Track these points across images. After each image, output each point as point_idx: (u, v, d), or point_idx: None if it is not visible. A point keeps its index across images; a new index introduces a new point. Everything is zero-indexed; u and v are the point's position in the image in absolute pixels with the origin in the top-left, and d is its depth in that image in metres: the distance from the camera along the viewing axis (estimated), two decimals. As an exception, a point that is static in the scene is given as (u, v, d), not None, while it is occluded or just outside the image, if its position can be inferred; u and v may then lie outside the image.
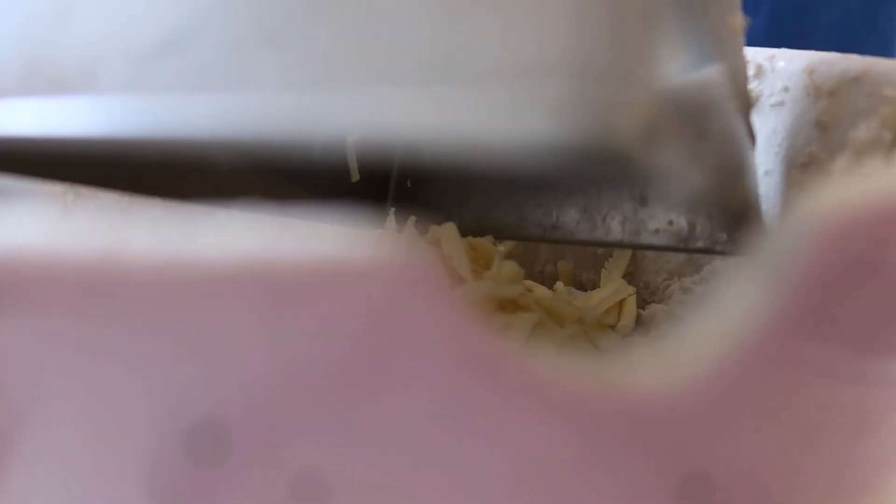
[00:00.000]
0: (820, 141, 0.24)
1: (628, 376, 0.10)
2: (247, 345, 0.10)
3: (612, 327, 0.27)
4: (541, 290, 0.27)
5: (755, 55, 0.26)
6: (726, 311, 0.11)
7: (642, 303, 0.30)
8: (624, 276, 0.31)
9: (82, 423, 0.10)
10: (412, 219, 0.27)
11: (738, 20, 0.19)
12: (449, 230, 0.28)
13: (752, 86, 0.26)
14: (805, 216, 0.10)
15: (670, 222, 0.25)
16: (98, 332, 0.10)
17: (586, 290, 0.30)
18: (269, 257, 0.09)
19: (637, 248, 0.28)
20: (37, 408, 0.10)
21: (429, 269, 0.09)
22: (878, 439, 0.13)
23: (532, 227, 0.29)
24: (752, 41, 0.27)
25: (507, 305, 0.23)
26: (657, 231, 0.26)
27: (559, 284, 0.29)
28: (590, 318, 0.26)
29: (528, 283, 0.27)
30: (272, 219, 0.10)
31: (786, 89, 0.25)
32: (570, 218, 0.28)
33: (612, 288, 0.29)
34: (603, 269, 0.31)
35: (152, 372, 0.10)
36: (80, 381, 0.10)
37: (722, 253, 0.21)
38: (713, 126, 0.17)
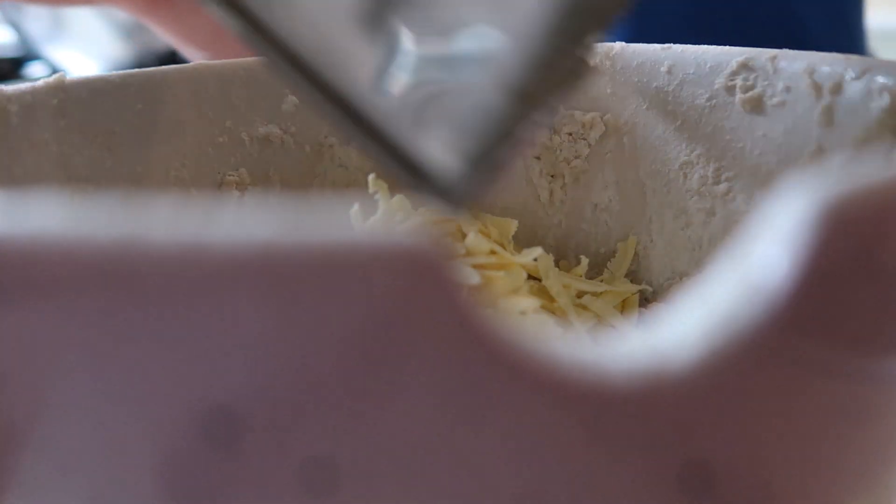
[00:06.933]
0: (821, 140, 0.24)
1: (629, 367, 0.11)
2: (259, 332, 0.10)
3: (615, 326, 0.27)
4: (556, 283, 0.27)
5: (757, 56, 0.26)
6: (725, 305, 0.11)
7: (645, 302, 0.30)
8: (626, 276, 0.31)
9: (99, 408, 0.11)
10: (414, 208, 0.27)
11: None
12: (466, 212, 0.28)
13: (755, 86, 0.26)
14: (805, 213, 0.10)
15: None
16: (115, 320, 0.10)
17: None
18: (282, 247, 0.09)
19: None
20: (54, 394, 0.11)
21: (438, 256, 0.09)
22: (876, 434, 0.13)
23: None
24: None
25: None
26: None
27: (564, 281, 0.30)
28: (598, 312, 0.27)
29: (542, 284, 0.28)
30: (286, 209, 0.10)
31: (787, 89, 0.25)
32: None
33: (616, 287, 0.29)
34: (605, 269, 0.31)
35: (169, 358, 0.10)
36: (97, 367, 0.10)
37: None
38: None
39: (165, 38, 0.46)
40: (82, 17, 0.88)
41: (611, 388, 0.10)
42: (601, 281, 0.31)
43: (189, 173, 0.29)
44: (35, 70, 1.00)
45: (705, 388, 0.11)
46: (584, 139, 0.32)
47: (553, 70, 0.16)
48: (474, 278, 0.22)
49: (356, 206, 0.24)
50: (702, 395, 0.11)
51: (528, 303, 0.24)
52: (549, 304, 0.27)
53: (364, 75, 0.16)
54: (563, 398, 0.10)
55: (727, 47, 0.28)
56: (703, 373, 0.11)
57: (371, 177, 0.26)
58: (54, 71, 0.26)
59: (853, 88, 0.23)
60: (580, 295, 0.29)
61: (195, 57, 0.47)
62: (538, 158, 0.32)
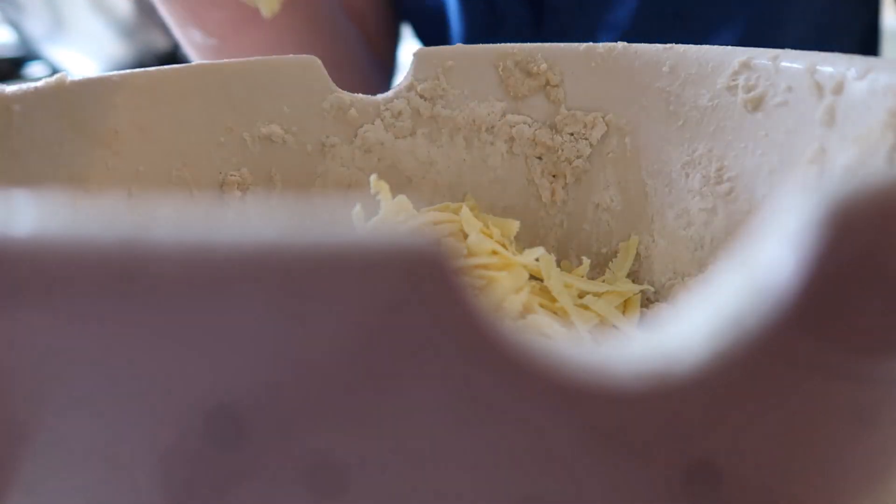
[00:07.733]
0: (823, 140, 0.24)
1: (635, 368, 0.10)
2: (262, 332, 0.10)
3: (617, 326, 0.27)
4: (557, 285, 0.27)
5: (759, 55, 0.26)
6: (730, 306, 0.11)
7: (647, 302, 0.30)
8: (628, 276, 0.31)
9: (102, 408, 0.11)
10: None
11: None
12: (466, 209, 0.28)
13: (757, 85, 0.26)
14: (812, 214, 0.10)
15: None
16: (119, 320, 0.10)
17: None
18: (285, 247, 0.09)
19: None
20: (57, 393, 0.11)
21: (441, 257, 0.09)
22: (881, 435, 0.13)
23: None
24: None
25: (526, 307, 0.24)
26: None
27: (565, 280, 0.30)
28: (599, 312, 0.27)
29: (543, 283, 0.28)
30: (289, 209, 0.10)
31: (789, 89, 0.25)
32: None
33: (617, 287, 0.29)
34: (607, 269, 0.31)
35: (172, 357, 0.10)
36: (100, 367, 0.10)
37: None
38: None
39: (172, 18, 0.46)
40: (82, 17, 0.88)
41: (617, 390, 0.10)
42: (603, 281, 0.31)
43: (191, 173, 0.29)
44: (35, 70, 1.00)
45: (711, 390, 0.11)
46: (586, 139, 0.32)
47: None
48: (476, 279, 0.22)
49: (358, 207, 0.24)
50: (708, 397, 0.11)
51: (530, 303, 0.24)
52: (550, 304, 0.27)
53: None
54: (569, 399, 0.10)
55: (729, 47, 0.28)
56: (710, 374, 0.11)
57: (373, 177, 0.26)
58: (54, 71, 0.26)
59: (856, 88, 0.23)
60: (582, 295, 0.29)
61: (202, 42, 0.47)
62: (540, 158, 0.32)
